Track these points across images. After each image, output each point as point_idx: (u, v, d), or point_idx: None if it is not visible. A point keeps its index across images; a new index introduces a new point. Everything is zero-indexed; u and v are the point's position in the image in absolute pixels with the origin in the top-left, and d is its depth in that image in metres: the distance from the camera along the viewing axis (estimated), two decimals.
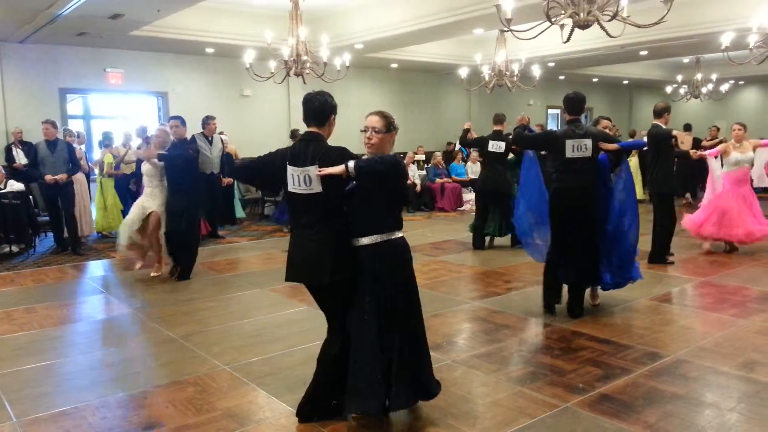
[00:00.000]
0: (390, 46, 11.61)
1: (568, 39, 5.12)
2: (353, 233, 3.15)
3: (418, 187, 12.49)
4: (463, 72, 10.85)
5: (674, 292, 5.91)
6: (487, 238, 8.31)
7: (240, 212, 11.17)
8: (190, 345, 4.60)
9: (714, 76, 14.88)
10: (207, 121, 9.20)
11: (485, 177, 8.18)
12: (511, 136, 5.75)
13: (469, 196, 12.75)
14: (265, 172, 3.31)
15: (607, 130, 5.61)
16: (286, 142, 10.24)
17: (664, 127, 6.77)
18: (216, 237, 9.31)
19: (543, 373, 3.94)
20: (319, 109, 3.14)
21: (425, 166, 13.60)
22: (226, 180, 9.58)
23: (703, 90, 14.86)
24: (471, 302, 5.64)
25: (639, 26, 4.88)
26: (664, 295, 5.76)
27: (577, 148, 4.99)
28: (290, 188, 3.13)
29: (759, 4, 7.67)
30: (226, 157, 10.16)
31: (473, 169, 13.06)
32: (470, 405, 3.52)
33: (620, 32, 5.34)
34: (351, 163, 2.96)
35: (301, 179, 3.07)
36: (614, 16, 4.85)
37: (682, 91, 15.48)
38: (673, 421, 3.26)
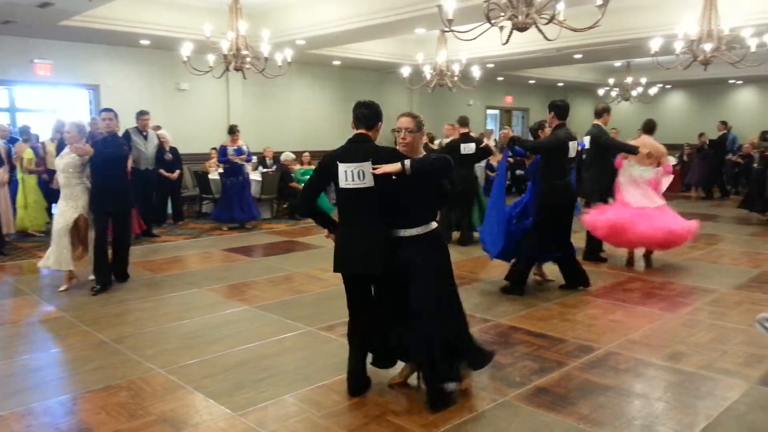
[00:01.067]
0: (332, 43, 11.54)
1: (507, 41, 5.23)
2: (398, 224, 3.41)
3: None
4: (405, 71, 10.93)
5: (605, 287, 6.13)
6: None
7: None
8: (122, 348, 4.44)
9: (643, 80, 15.55)
10: (139, 116, 8.92)
11: (460, 178, 8.00)
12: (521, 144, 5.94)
13: None
14: (328, 181, 3.53)
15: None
16: (224, 138, 9.99)
17: (603, 127, 7.06)
18: (150, 236, 9.01)
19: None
20: (370, 115, 3.44)
21: None
22: (168, 175, 9.35)
23: (633, 93, 15.53)
24: None
25: (574, 30, 5.03)
26: (596, 291, 5.97)
27: (572, 150, 5.66)
28: (342, 184, 3.36)
29: (684, 12, 8.06)
30: (172, 152, 9.91)
31: None
32: (411, 401, 3.54)
33: (556, 35, 5.49)
34: (407, 162, 3.21)
35: (355, 174, 3.31)
36: (551, 20, 4.99)
37: (613, 93, 16.11)
38: (605, 411, 3.38)
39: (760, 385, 3.69)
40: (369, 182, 3.30)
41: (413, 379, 3.75)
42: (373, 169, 3.25)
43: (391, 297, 3.50)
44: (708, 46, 7.32)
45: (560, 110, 5.74)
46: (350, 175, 3.31)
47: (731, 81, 18.57)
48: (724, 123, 14.82)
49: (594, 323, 4.95)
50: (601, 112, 7.14)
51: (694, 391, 3.64)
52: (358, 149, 3.36)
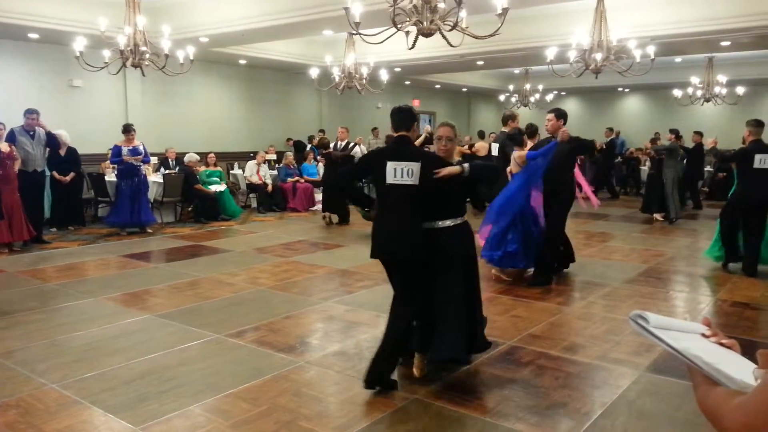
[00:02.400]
0: (237, 41, 11.27)
1: (413, 46, 5.34)
2: (437, 216, 3.80)
3: (270, 187, 12.29)
4: (314, 72, 10.88)
5: (507, 284, 6.36)
6: None
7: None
8: (10, 363, 4.11)
9: (540, 87, 16.37)
10: (27, 114, 8.32)
11: None
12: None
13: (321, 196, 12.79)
14: (366, 173, 4.21)
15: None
16: (122, 137, 9.48)
17: (508, 132, 7.37)
18: (40, 242, 8.41)
19: None
20: (408, 117, 3.87)
21: (276, 165, 13.42)
22: (60, 178, 8.75)
23: (531, 99, 16.30)
24: (323, 302, 5.66)
25: (476, 37, 5.22)
26: (499, 288, 6.20)
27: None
28: (389, 180, 3.69)
29: (577, 23, 8.57)
30: (71, 153, 9.33)
31: None
32: (323, 404, 3.53)
33: (460, 42, 5.68)
34: (466, 166, 3.74)
35: (405, 172, 3.66)
36: (454, 27, 5.14)
37: (513, 99, 16.85)
38: (509, 404, 3.52)
39: (648, 372, 3.97)
40: (415, 180, 3.66)
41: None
42: (436, 172, 3.65)
43: (417, 287, 3.80)
44: (599, 56, 7.82)
45: (566, 118, 6.28)
46: (399, 173, 3.66)
47: (620, 89, 19.93)
48: (610, 129, 15.98)
49: (498, 319, 5.13)
50: (507, 119, 7.58)
51: (590, 380, 3.87)
52: (406, 150, 3.76)
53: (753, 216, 6.65)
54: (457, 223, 3.86)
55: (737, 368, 1.06)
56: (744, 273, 6.70)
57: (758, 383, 0.98)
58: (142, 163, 9.44)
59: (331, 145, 10.84)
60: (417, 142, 9.28)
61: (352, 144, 10.71)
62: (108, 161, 10.72)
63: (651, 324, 1.11)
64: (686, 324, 1.17)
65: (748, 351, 1.15)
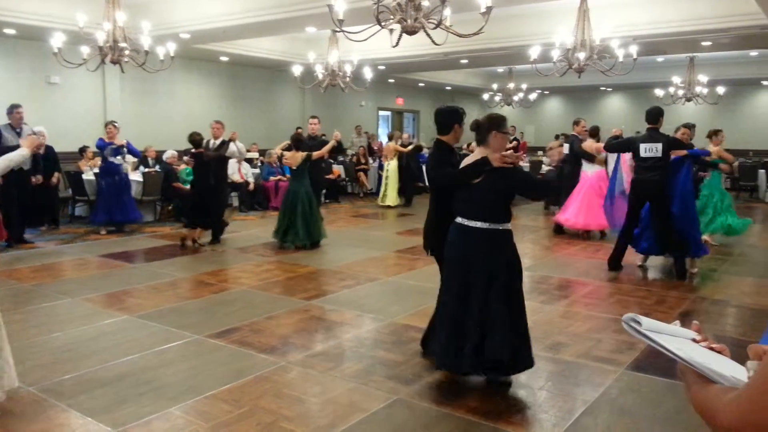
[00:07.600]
0: (219, 38, 11.15)
1: (397, 44, 5.31)
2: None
3: (252, 186, 12.19)
4: (297, 70, 10.79)
5: None
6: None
7: None
8: None
9: (524, 86, 16.40)
10: (11, 110, 8.12)
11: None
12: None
13: None
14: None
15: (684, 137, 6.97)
16: (100, 134, 9.34)
17: (578, 136, 8.92)
18: (23, 242, 8.23)
19: (376, 368, 4.02)
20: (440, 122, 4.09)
21: (259, 164, 13.31)
22: (36, 179, 8.56)
23: (515, 98, 16.33)
24: (306, 302, 5.61)
25: (460, 35, 5.19)
26: None
27: (648, 150, 6.41)
28: None
29: (560, 22, 8.59)
30: (49, 152, 9.13)
31: None
32: (304, 405, 3.49)
33: (444, 40, 5.66)
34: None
35: None
36: (438, 25, 5.12)
37: (497, 98, 16.87)
38: (493, 402, 3.51)
39: (630, 370, 3.99)
40: None
41: None
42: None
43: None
44: (582, 55, 7.84)
45: (648, 115, 6.58)
46: None
47: (602, 88, 20.07)
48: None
49: None
50: (573, 124, 9.33)
51: (573, 378, 3.88)
52: None
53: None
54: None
55: (729, 369, 1.05)
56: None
57: (750, 375, 0.97)
58: (135, 158, 9.37)
59: (204, 142, 8.88)
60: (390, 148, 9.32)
61: (227, 141, 8.81)
62: (84, 160, 10.59)
63: (643, 327, 1.12)
64: (677, 329, 1.17)
65: (731, 349, 1.15)
